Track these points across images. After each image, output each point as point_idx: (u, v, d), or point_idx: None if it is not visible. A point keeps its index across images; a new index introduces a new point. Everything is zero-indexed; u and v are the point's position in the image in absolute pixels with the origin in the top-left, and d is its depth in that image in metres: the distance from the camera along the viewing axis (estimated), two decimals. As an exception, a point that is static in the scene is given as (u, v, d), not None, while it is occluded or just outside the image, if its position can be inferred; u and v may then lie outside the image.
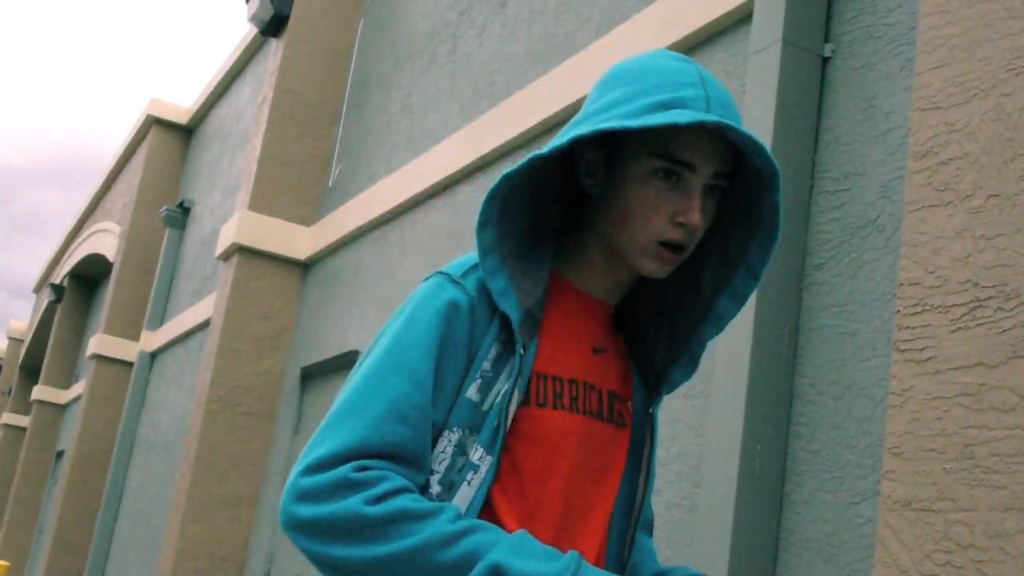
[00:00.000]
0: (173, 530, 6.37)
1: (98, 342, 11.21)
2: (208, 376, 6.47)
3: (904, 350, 1.90)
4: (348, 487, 1.15)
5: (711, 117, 1.17)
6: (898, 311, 1.93)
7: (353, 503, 1.14)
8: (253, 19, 7.13)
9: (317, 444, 1.19)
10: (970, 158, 1.88)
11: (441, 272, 1.30)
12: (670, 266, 1.28)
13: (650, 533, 1.53)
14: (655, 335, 1.41)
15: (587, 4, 4.10)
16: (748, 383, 2.58)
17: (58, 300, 15.31)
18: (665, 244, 1.26)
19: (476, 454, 1.23)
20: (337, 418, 1.21)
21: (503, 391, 1.24)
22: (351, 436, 1.18)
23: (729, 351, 2.65)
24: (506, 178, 1.25)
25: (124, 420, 10.20)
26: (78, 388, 13.66)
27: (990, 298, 1.78)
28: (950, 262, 1.86)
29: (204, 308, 8.48)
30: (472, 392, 1.24)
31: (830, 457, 2.49)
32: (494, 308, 1.26)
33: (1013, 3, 1.86)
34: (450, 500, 1.22)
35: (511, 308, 1.24)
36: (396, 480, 1.17)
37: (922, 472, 1.82)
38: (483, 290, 1.27)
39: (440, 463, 1.23)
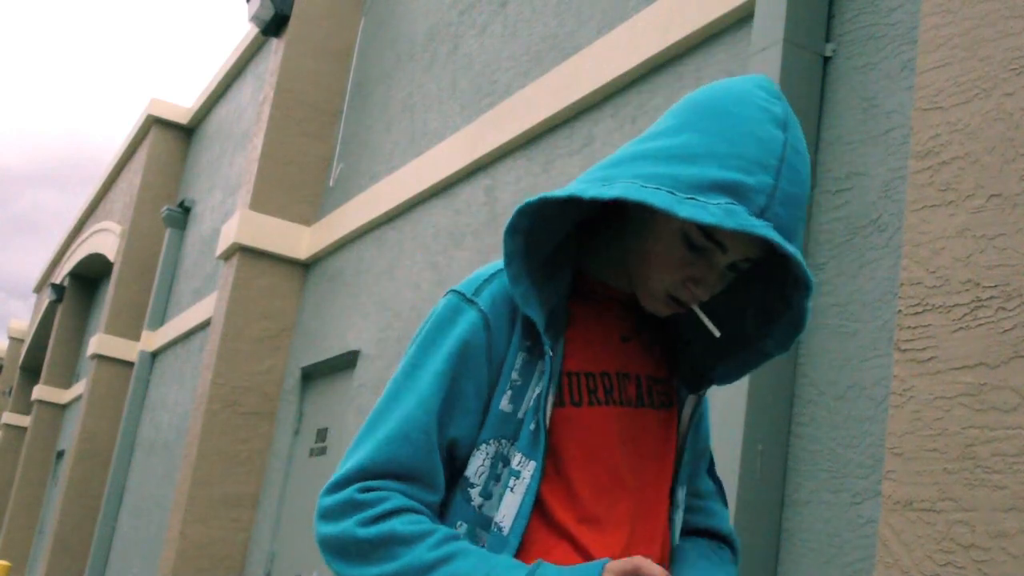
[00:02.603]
0: (174, 530, 6.37)
1: (99, 342, 11.22)
2: (209, 376, 6.47)
3: (905, 350, 1.90)
4: (351, 508, 1.20)
5: (757, 227, 1.12)
6: (899, 311, 1.93)
7: (349, 525, 1.19)
8: (254, 19, 7.13)
9: (341, 464, 1.25)
10: (971, 158, 1.87)
11: (455, 290, 1.30)
12: (673, 312, 1.27)
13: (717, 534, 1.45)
14: (686, 325, 1.38)
15: (588, 4, 4.09)
16: (749, 383, 2.58)
17: (59, 300, 15.32)
18: (673, 297, 1.25)
19: (516, 460, 1.24)
20: (358, 438, 1.26)
21: (536, 395, 1.24)
22: (363, 456, 1.23)
23: (730, 351, 2.65)
24: (542, 201, 1.21)
25: (124, 420, 10.20)
26: (79, 388, 13.67)
27: (991, 298, 1.78)
28: (951, 262, 1.86)
29: (205, 308, 8.48)
30: (504, 403, 1.25)
31: (831, 457, 2.49)
32: (513, 317, 1.26)
33: (1015, 2, 1.86)
34: (496, 510, 1.24)
35: (535, 313, 1.23)
36: (396, 500, 1.20)
37: (923, 472, 1.82)
38: (499, 301, 1.27)
39: (479, 476, 1.25)
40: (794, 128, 1.19)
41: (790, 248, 1.14)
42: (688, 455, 1.38)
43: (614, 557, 1.21)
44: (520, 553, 1.22)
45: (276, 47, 7.21)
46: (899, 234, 2.43)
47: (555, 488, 1.25)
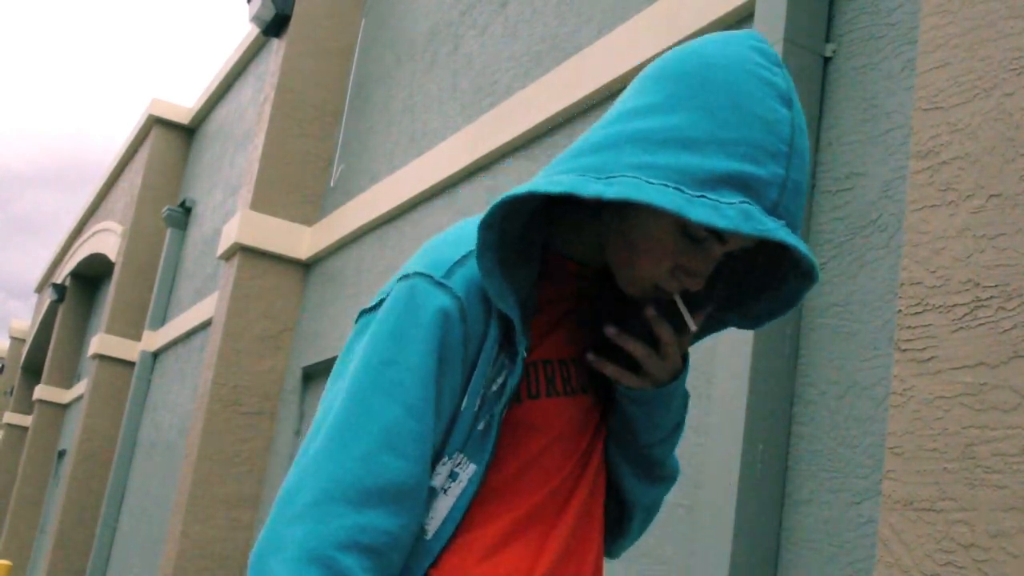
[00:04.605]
0: (175, 530, 6.37)
1: (100, 342, 11.22)
2: (210, 376, 6.47)
3: (905, 350, 1.90)
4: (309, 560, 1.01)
5: (774, 231, 1.00)
6: (899, 311, 1.93)
7: None
8: (255, 19, 7.14)
9: (303, 483, 1.04)
10: (971, 158, 1.88)
11: (420, 273, 1.11)
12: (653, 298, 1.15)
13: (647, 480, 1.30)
14: None
15: (588, 4, 4.10)
16: (749, 383, 2.58)
17: (60, 300, 15.33)
18: (659, 286, 1.13)
19: (457, 462, 1.11)
20: (322, 451, 1.05)
21: (491, 392, 1.12)
22: (340, 473, 1.04)
23: (730, 351, 2.65)
24: (530, 194, 1.07)
25: (126, 420, 10.21)
26: (80, 388, 13.68)
27: (991, 298, 1.78)
28: (951, 262, 1.86)
29: (206, 308, 8.49)
30: (464, 403, 1.11)
31: (831, 457, 2.49)
32: (488, 307, 1.11)
33: (1015, 2, 1.86)
34: (431, 514, 1.10)
35: (512, 310, 1.09)
36: None
37: (923, 472, 1.82)
38: (473, 287, 1.10)
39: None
40: (797, 102, 1.06)
41: (804, 249, 1.04)
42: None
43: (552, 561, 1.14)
44: (446, 557, 1.10)
45: (277, 47, 7.22)
46: (899, 234, 2.43)
47: (503, 488, 1.14)
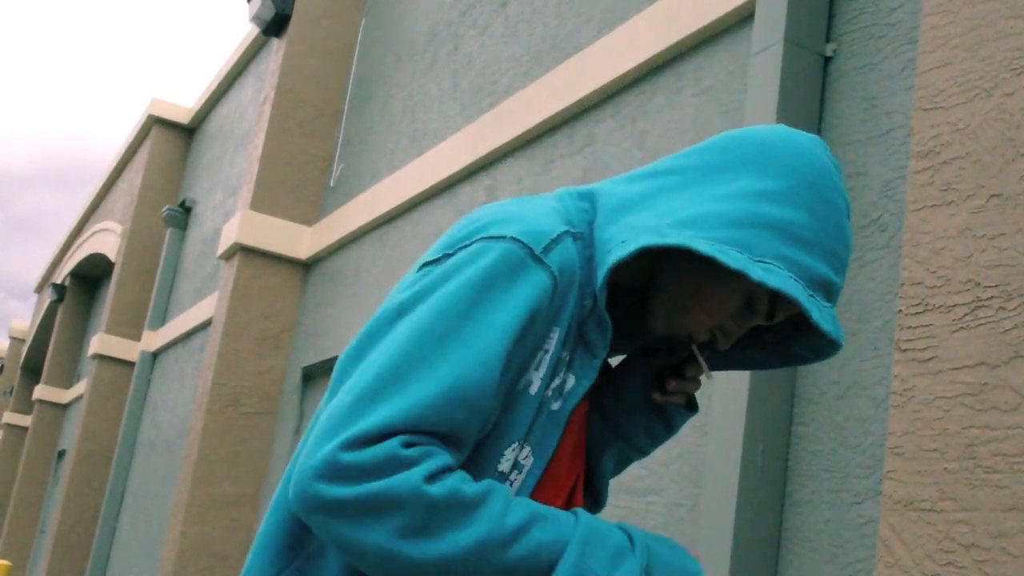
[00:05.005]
0: (174, 530, 6.37)
1: (100, 342, 11.22)
2: (210, 376, 6.47)
3: (906, 350, 1.90)
4: (399, 465, 0.97)
5: (842, 337, 1.15)
6: (900, 311, 1.93)
7: (411, 479, 0.96)
8: (255, 19, 7.14)
9: (362, 412, 0.99)
10: (972, 158, 1.87)
11: (517, 239, 1.07)
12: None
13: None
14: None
15: (588, 4, 4.09)
16: (750, 383, 2.58)
17: (60, 300, 15.33)
18: (690, 335, 1.20)
19: (523, 452, 1.10)
20: (387, 381, 1.01)
21: (556, 386, 1.12)
22: (411, 407, 0.99)
23: (731, 351, 2.65)
24: (687, 248, 1.10)
25: (125, 420, 10.21)
26: (80, 388, 13.68)
27: (992, 298, 1.78)
28: (952, 262, 1.86)
29: (206, 308, 8.49)
30: (534, 387, 1.10)
31: (832, 457, 2.49)
32: (568, 292, 1.10)
33: (1015, 2, 1.86)
34: None
35: (607, 314, 1.13)
36: (444, 456, 1.00)
37: (924, 472, 1.82)
38: (566, 270, 1.09)
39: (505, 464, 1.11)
40: None
41: (842, 345, 1.18)
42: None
43: None
44: None
45: (277, 47, 7.22)
46: (899, 234, 2.43)
47: (539, 489, 1.16)
